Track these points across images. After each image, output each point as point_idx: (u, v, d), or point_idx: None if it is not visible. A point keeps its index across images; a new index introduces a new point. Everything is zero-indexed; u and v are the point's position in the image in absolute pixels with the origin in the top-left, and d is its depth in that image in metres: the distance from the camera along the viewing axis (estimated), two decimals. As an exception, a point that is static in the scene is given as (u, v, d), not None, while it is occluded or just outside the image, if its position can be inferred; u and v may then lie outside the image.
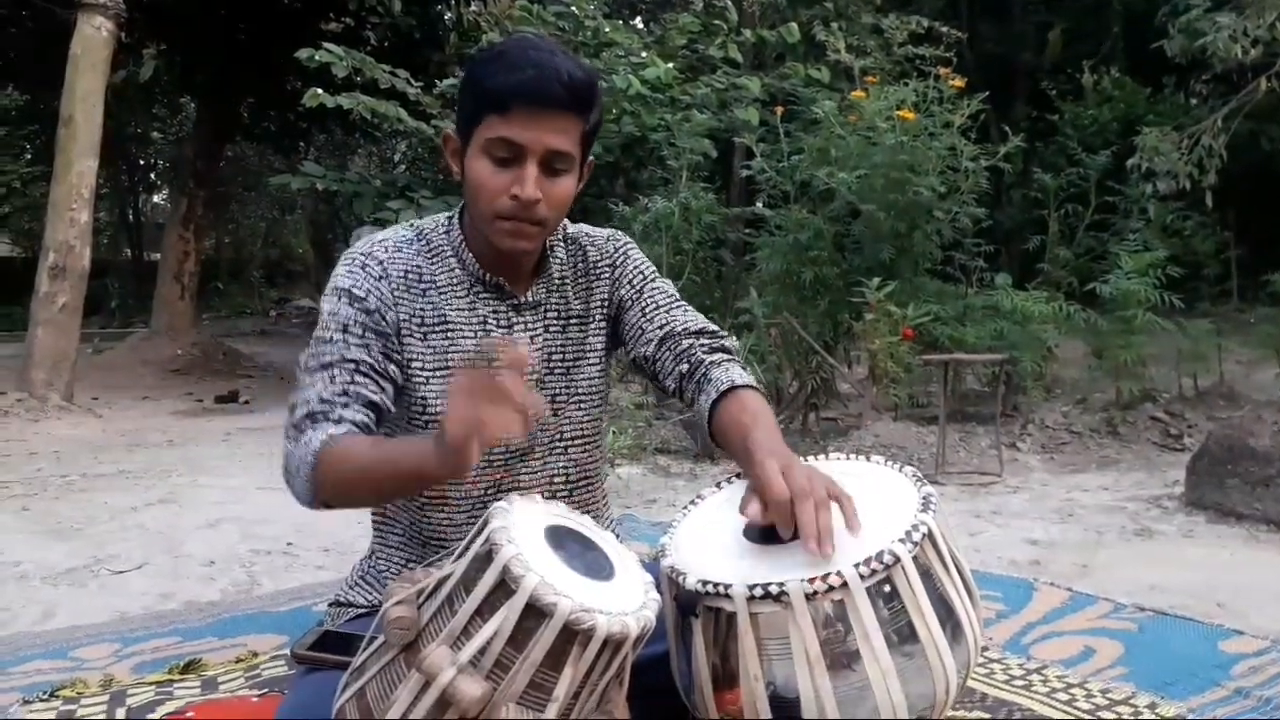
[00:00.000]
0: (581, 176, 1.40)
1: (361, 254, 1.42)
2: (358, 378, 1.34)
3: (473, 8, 6.68)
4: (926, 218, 5.07)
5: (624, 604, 0.98)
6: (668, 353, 1.48)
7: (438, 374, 1.41)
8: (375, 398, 1.34)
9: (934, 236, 5.14)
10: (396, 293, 1.40)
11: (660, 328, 1.49)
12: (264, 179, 18.66)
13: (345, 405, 1.31)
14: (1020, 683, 1.87)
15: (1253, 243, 9.24)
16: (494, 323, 1.43)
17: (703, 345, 1.48)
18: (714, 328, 1.52)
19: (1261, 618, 2.28)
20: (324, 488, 1.27)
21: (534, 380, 1.45)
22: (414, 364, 1.40)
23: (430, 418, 1.40)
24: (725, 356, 1.48)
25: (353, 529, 3.10)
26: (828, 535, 1.08)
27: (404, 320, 1.40)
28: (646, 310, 1.51)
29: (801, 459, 1.32)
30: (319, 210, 21.21)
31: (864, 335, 4.77)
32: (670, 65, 6.26)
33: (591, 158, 1.43)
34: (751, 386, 1.42)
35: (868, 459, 1.29)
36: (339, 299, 1.38)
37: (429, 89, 6.31)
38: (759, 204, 5.85)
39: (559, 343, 1.48)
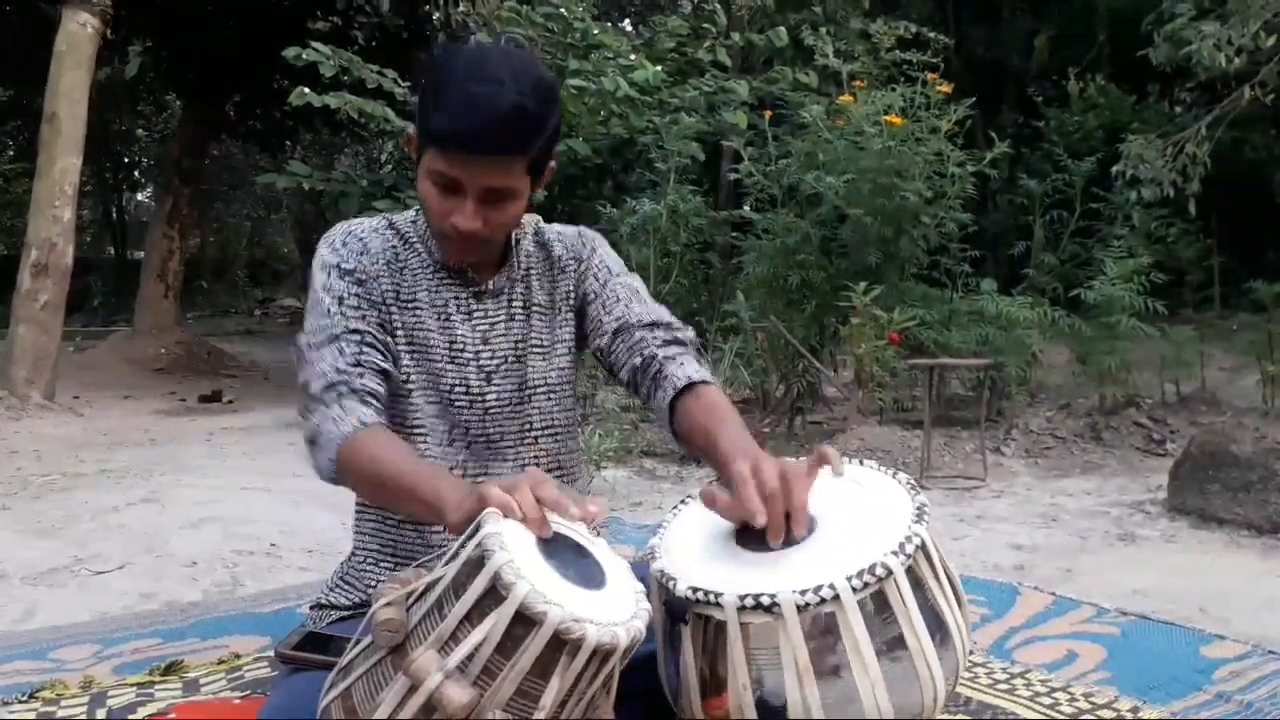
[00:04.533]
0: (538, 184, 1.41)
1: (341, 232, 1.46)
2: (365, 348, 1.37)
3: (461, 8, 6.67)
4: (913, 222, 5.09)
5: (614, 614, 0.98)
6: (621, 344, 1.48)
7: (404, 350, 1.43)
8: (385, 365, 1.38)
9: (920, 241, 5.16)
10: (377, 266, 1.43)
11: (616, 320, 1.49)
12: (250, 178, 18.59)
13: (361, 375, 1.34)
14: (1004, 686, 1.88)
15: (1235, 250, 9.30)
16: (454, 308, 1.46)
17: (657, 338, 1.47)
18: (670, 319, 1.51)
19: (1243, 622, 2.29)
20: (344, 472, 1.29)
21: (500, 367, 1.47)
22: (394, 336, 1.44)
23: (412, 388, 1.44)
24: (680, 350, 1.46)
25: (336, 530, 3.09)
26: (799, 516, 1.09)
27: (386, 292, 1.43)
28: (606, 303, 1.51)
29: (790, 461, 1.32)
30: (304, 210, 21.09)
31: (850, 339, 4.78)
32: (659, 68, 6.27)
33: (553, 164, 1.44)
34: (708, 381, 1.41)
35: (861, 463, 1.28)
36: (329, 274, 1.41)
37: (416, 89, 6.28)
38: (746, 207, 5.86)
39: (523, 331, 1.49)
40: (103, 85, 9.01)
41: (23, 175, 16.06)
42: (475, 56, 1.33)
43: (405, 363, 1.43)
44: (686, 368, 1.42)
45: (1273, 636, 2.15)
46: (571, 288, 1.53)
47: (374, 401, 1.33)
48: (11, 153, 18.30)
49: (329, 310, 1.38)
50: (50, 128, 6.59)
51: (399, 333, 1.43)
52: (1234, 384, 5.93)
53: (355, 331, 1.37)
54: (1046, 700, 1.81)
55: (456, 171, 1.30)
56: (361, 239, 1.45)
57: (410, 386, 1.43)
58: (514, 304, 1.49)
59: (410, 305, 1.44)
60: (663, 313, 1.52)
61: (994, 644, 2.12)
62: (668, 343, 1.47)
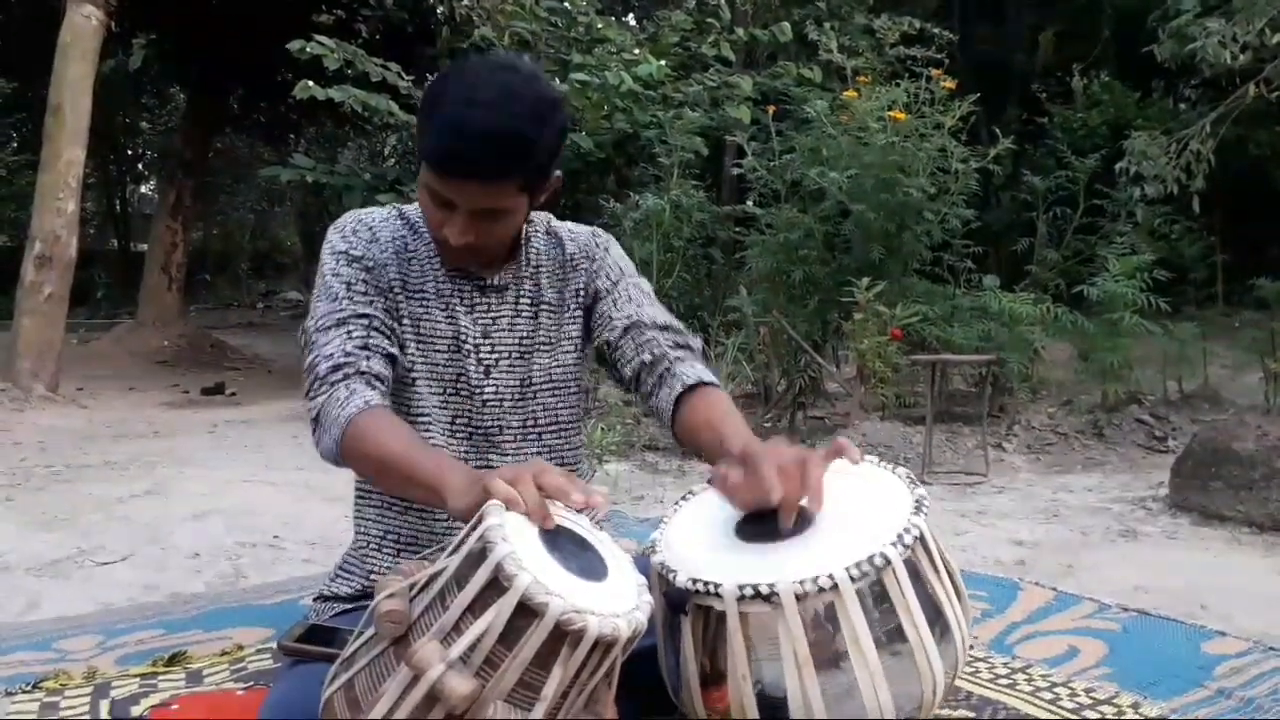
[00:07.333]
0: (535, 200, 1.40)
1: (351, 221, 1.48)
2: (372, 332, 1.38)
3: (465, 2, 6.67)
4: (916, 218, 5.09)
5: (616, 605, 0.98)
6: (630, 341, 1.50)
7: (409, 339, 1.44)
8: (391, 350, 1.39)
9: (923, 237, 5.16)
10: (385, 255, 1.45)
11: (628, 317, 1.51)
12: (253, 171, 18.60)
13: (368, 358, 1.35)
14: (1005, 681, 1.88)
15: (1239, 247, 9.29)
16: (459, 300, 1.47)
17: (668, 339, 1.49)
18: (680, 325, 1.54)
19: (1244, 619, 2.30)
20: (349, 453, 1.29)
21: (500, 363, 1.48)
22: (400, 324, 1.45)
23: (416, 377, 1.44)
24: (689, 354, 1.50)
25: (339, 522, 3.10)
26: (817, 495, 1.09)
27: (393, 280, 1.44)
28: (618, 301, 1.53)
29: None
30: (308, 203, 21.11)
31: (852, 335, 4.78)
32: (663, 62, 6.26)
33: (558, 173, 1.43)
34: (716, 384, 1.44)
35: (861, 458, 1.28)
36: (338, 261, 1.43)
37: (420, 83, 6.29)
38: (750, 202, 5.86)
39: (529, 327, 1.50)
40: (107, 78, 9.00)
41: (27, 168, 16.04)
42: (471, 77, 1.31)
43: (411, 351, 1.44)
44: (697, 369, 1.45)
45: (1274, 633, 2.15)
46: (583, 284, 1.54)
47: (380, 385, 1.34)
48: (15, 145, 18.30)
49: (337, 295, 1.40)
50: (54, 120, 6.60)
51: (405, 321, 1.44)
52: (1237, 381, 5.92)
53: (363, 316, 1.38)
54: (1047, 695, 1.81)
55: (446, 191, 1.32)
56: (371, 227, 1.46)
57: (414, 375, 1.45)
58: (521, 300, 1.50)
59: (418, 295, 1.45)
60: (672, 318, 1.54)
61: (995, 639, 2.12)
62: (678, 345, 1.49)
